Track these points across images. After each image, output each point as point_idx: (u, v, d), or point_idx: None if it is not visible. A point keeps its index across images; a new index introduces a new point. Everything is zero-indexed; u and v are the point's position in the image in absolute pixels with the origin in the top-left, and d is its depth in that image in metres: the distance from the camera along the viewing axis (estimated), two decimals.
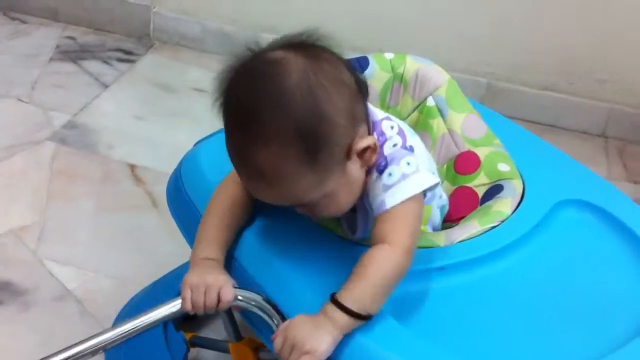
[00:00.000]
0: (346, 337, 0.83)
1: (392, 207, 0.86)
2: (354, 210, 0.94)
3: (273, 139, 0.80)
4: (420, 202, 0.89)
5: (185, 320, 1.37)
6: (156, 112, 2.06)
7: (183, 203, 1.07)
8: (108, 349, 0.87)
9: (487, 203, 1.05)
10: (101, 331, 0.87)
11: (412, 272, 0.87)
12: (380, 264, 0.84)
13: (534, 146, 1.22)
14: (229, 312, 1.13)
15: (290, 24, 2.47)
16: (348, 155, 0.85)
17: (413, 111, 1.18)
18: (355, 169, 0.87)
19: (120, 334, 0.87)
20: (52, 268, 1.52)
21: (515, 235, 0.99)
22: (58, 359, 0.84)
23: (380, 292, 0.84)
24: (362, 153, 0.86)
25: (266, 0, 2.26)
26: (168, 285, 1.32)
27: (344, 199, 0.88)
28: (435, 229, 1.05)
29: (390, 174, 0.87)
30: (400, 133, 0.91)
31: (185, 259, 0.96)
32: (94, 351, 0.86)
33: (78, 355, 0.85)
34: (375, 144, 0.87)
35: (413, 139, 0.94)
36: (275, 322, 0.89)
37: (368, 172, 0.89)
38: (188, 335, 1.26)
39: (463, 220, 1.04)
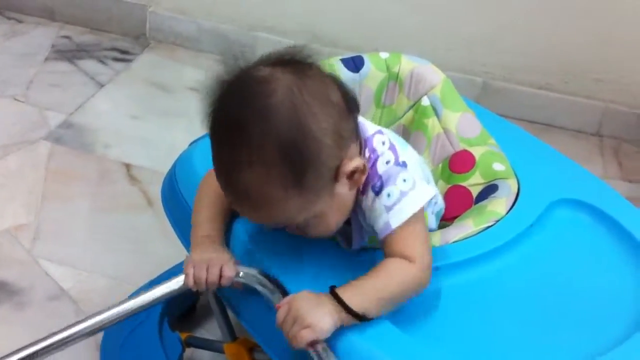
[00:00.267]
0: (339, 338, 0.83)
1: (398, 227, 0.86)
2: (348, 223, 0.93)
3: (257, 159, 0.79)
4: (422, 214, 0.89)
5: (180, 320, 1.37)
6: (152, 112, 2.06)
7: (177, 203, 1.07)
8: (109, 326, 0.88)
9: (481, 203, 1.05)
10: (105, 308, 0.88)
11: None
12: (393, 273, 0.85)
13: (529, 145, 1.22)
14: (223, 311, 1.13)
15: (286, 24, 2.48)
16: (336, 177, 0.84)
17: (408, 110, 1.18)
18: (344, 190, 0.86)
19: (124, 311, 0.88)
20: (47, 268, 1.52)
21: (510, 235, 0.99)
22: (59, 337, 0.86)
23: (385, 298, 0.84)
24: (351, 175, 0.85)
25: (262, 0, 2.26)
26: None
27: (333, 220, 0.88)
28: (430, 231, 1.05)
29: (389, 195, 0.86)
30: (392, 148, 0.90)
31: (181, 258, 0.96)
32: (96, 330, 0.87)
33: (81, 333, 0.86)
34: (364, 166, 0.86)
35: (405, 152, 0.93)
36: (277, 298, 0.88)
37: (362, 192, 0.89)
38: (183, 336, 1.26)
39: (457, 219, 1.04)
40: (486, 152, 1.12)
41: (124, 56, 2.31)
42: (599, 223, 1.05)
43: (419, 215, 0.88)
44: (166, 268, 1.42)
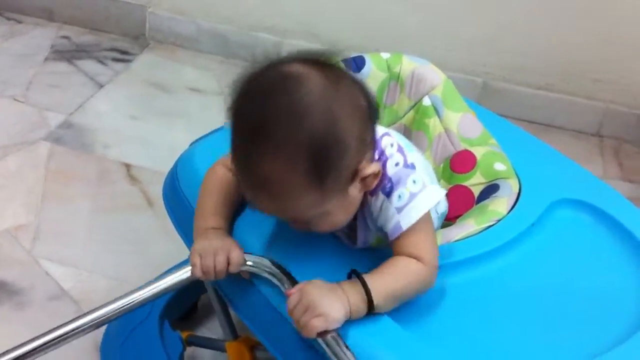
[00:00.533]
0: (342, 336, 0.83)
1: (409, 228, 0.87)
2: (353, 224, 0.93)
3: (284, 149, 0.78)
4: (430, 216, 0.90)
5: (181, 319, 1.37)
6: (151, 112, 2.06)
7: (179, 202, 1.07)
8: (116, 318, 0.88)
9: (483, 202, 1.06)
10: (112, 300, 0.88)
11: None
12: (406, 272, 0.86)
13: (529, 145, 1.22)
14: (225, 310, 1.13)
15: (286, 24, 2.48)
16: (352, 179, 0.84)
17: (409, 110, 1.18)
18: (355, 192, 0.86)
19: (131, 302, 0.88)
20: (48, 268, 1.52)
21: (512, 235, 0.99)
22: (65, 329, 0.85)
23: (395, 296, 0.85)
24: (364, 178, 0.85)
25: (261, 1, 2.26)
26: None
27: (339, 218, 0.88)
28: None
29: (399, 197, 0.87)
30: (400, 150, 0.91)
31: (182, 258, 0.96)
32: (104, 321, 0.87)
33: (87, 325, 0.86)
34: (379, 172, 0.86)
35: (411, 153, 0.93)
36: (286, 286, 0.88)
37: (372, 193, 0.89)
38: (184, 334, 1.26)
39: (459, 219, 1.04)
40: (487, 152, 1.12)
41: (123, 56, 2.31)
42: (600, 223, 1.04)
43: (428, 216, 0.88)
44: (166, 268, 1.41)
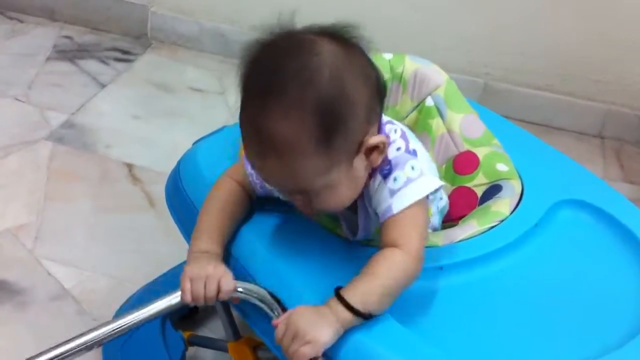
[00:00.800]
0: (345, 336, 0.83)
1: (400, 212, 0.86)
2: (354, 211, 0.94)
3: (293, 109, 0.79)
4: (425, 205, 0.90)
5: (183, 319, 1.37)
6: (153, 112, 2.06)
7: (182, 202, 1.07)
8: (106, 342, 0.87)
9: (486, 203, 1.05)
10: (100, 324, 0.87)
11: None
12: (392, 267, 0.85)
13: (532, 146, 1.22)
14: (227, 310, 1.13)
15: (287, 24, 2.45)
16: (358, 149, 0.85)
17: (412, 111, 1.18)
18: (360, 166, 0.86)
19: (119, 327, 0.87)
20: (49, 267, 1.52)
21: (514, 236, 0.99)
22: (56, 352, 0.84)
23: (388, 294, 0.85)
24: (370, 151, 0.86)
25: (263, 0, 2.26)
26: (166, 285, 1.32)
27: (345, 194, 0.88)
28: (434, 230, 1.06)
29: (395, 179, 0.87)
30: (403, 136, 0.91)
31: (183, 258, 0.96)
32: (91, 345, 0.86)
33: (75, 349, 0.85)
34: (384, 144, 0.87)
35: (415, 142, 0.93)
36: (276, 313, 0.88)
37: (371, 176, 0.89)
38: (186, 334, 1.26)
39: (462, 220, 1.04)
40: (490, 152, 1.12)
41: (125, 56, 2.31)
42: (602, 224, 1.04)
43: (422, 206, 0.88)
44: (168, 268, 1.42)
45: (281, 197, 0.94)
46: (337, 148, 0.82)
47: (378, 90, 0.87)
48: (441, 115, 1.16)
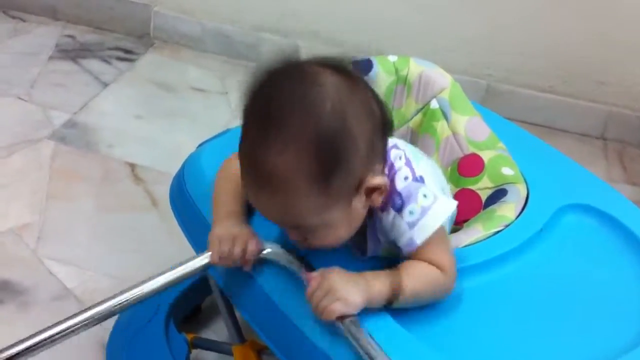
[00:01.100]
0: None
1: (424, 242, 0.86)
2: (363, 237, 0.93)
3: (291, 142, 0.78)
4: (444, 226, 0.90)
5: (186, 321, 1.37)
6: (156, 112, 2.06)
7: (186, 205, 1.07)
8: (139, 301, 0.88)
9: (491, 207, 1.05)
10: (132, 285, 0.88)
11: None
12: (431, 278, 0.86)
13: (535, 149, 1.22)
14: (231, 313, 1.13)
15: (289, 25, 2.48)
16: (358, 189, 0.83)
17: (416, 113, 1.18)
18: (359, 205, 0.85)
19: (151, 289, 0.88)
20: (52, 267, 1.52)
21: (520, 240, 0.99)
22: (98, 309, 0.85)
23: (418, 298, 0.87)
24: (370, 192, 0.85)
25: (266, 1, 2.26)
26: None
27: (341, 233, 0.87)
28: None
29: (411, 212, 0.86)
30: (408, 163, 0.90)
31: (185, 258, 0.95)
32: (124, 306, 0.87)
33: (109, 309, 0.86)
34: (385, 187, 0.85)
35: (419, 165, 0.91)
36: (303, 275, 0.88)
37: (383, 209, 0.88)
38: (190, 336, 1.26)
39: (467, 224, 1.04)
40: (495, 156, 1.12)
41: (128, 56, 2.31)
42: (608, 228, 1.04)
43: (442, 228, 0.88)
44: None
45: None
46: (335, 186, 0.80)
47: (382, 126, 0.85)
48: (446, 118, 1.16)
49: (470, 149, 1.13)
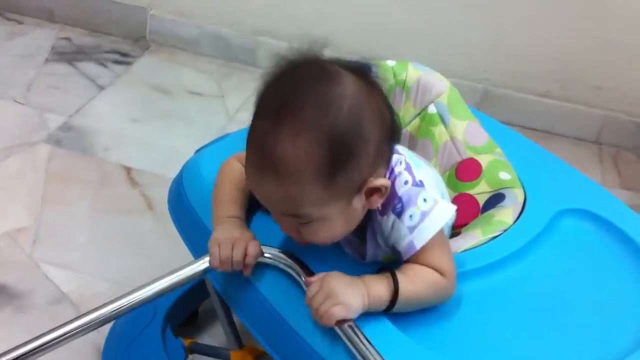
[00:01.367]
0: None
1: (423, 246, 0.87)
2: (362, 241, 0.93)
3: (304, 132, 0.78)
4: (443, 230, 0.90)
5: (183, 325, 1.36)
6: (152, 115, 2.06)
7: (185, 211, 1.07)
8: (137, 307, 0.88)
9: (489, 212, 1.06)
10: (131, 290, 0.88)
11: None
12: (431, 282, 0.87)
13: (532, 153, 1.22)
14: (229, 318, 1.13)
15: (287, 28, 2.48)
16: (360, 189, 0.84)
17: (414, 118, 1.18)
18: (358, 205, 0.86)
19: (151, 293, 0.88)
20: (48, 271, 1.51)
21: (518, 245, 0.99)
22: (95, 315, 0.85)
23: (418, 302, 0.87)
24: (370, 193, 0.85)
25: (263, 4, 2.26)
26: None
27: (336, 230, 0.87)
28: None
29: (411, 216, 0.87)
30: (408, 168, 0.90)
31: (182, 263, 0.95)
32: (124, 311, 0.87)
33: (110, 314, 0.86)
34: (386, 189, 0.86)
35: (419, 170, 0.92)
36: (303, 279, 0.88)
37: (382, 213, 0.89)
38: (186, 342, 1.26)
39: (465, 229, 1.04)
40: (493, 160, 1.12)
41: (124, 59, 2.30)
42: (605, 232, 1.05)
43: (441, 231, 0.88)
44: (166, 271, 1.41)
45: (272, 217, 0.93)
46: (340, 183, 0.81)
47: (391, 133, 0.87)
48: (444, 123, 1.16)
49: (468, 154, 1.14)
